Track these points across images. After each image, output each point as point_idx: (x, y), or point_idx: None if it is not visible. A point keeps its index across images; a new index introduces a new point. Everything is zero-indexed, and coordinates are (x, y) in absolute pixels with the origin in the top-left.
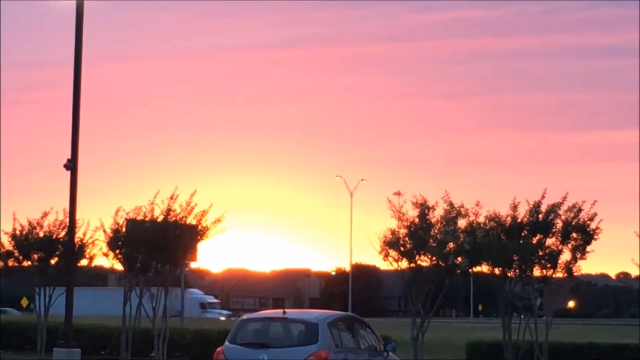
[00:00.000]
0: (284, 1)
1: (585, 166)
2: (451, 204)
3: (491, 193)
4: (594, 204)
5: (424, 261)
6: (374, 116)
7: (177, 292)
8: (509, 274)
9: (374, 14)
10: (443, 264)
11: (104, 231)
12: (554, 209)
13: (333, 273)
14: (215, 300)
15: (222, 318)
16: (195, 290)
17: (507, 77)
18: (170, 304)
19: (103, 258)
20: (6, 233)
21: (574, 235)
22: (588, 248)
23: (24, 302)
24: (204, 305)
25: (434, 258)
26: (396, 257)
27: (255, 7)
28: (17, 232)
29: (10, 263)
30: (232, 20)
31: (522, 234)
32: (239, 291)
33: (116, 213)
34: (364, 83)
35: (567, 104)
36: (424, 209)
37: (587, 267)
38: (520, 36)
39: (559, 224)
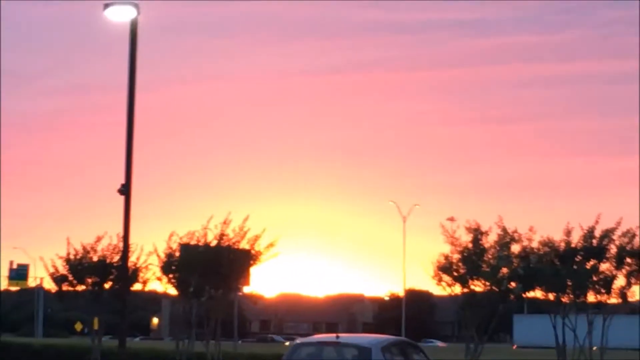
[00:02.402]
0: (340, 26)
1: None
2: (504, 229)
3: (545, 218)
4: None
5: (478, 286)
6: (429, 141)
7: (623, 319)
8: (563, 300)
9: (433, 38)
10: (497, 289)
11: (158, 255)
12: (607, 234)
13: (386, 298)
14: None
15: None
16: None
17: (562, 102)
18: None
19: (156, 282)
20: (60, 257)
21: (629, 260)
22: None
23: (78, 326)
24: None
25: (487, 283)
26: (449, 282)
27: (311, 32)
28: (71, 257)
29: (65, 287)
30: (290, 45)
31: (576, 259)
32: (292, 316)
33: (170, 237)
34: (420, 108)
35: (620, 128)
36: (477, 234)
37: None
38: (577, 61)
39: (613, 249)
